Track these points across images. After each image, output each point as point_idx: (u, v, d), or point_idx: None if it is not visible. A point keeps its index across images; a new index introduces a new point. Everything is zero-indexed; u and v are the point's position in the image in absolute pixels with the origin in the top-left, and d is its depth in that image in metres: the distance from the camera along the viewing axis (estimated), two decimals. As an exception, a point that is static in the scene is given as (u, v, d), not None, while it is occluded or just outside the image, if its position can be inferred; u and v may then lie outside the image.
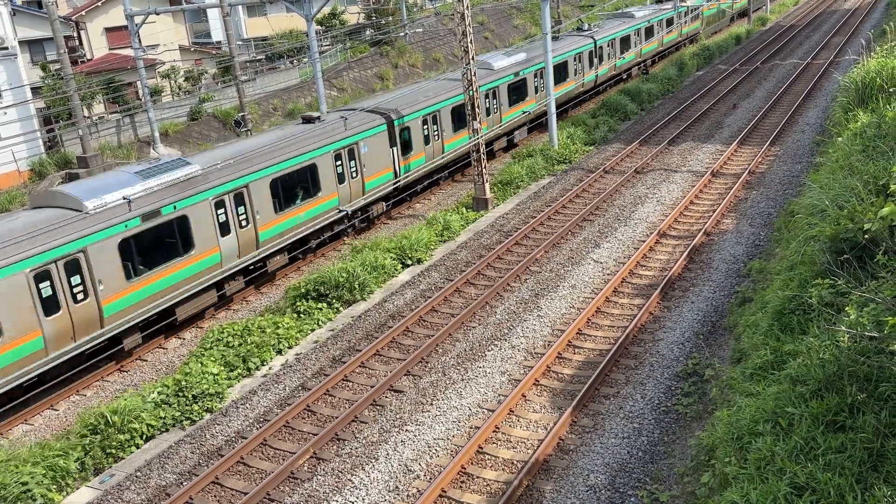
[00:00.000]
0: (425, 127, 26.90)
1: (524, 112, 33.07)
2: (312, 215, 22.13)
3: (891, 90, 19.75)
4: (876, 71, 20.99)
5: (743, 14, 71.88)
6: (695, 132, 33.83)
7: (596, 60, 39.34)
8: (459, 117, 28.43)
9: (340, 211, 23.15)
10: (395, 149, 25.30)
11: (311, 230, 22.34)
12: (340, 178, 22.95)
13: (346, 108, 26.88)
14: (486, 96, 30.03)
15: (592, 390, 14.58)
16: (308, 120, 23.77)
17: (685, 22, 54.91)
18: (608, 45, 40.84)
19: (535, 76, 34.01)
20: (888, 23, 33.89)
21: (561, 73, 35.73)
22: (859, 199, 13.01)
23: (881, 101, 19.48)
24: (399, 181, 25.67)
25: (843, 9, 74.89)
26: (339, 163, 22.83)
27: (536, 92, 33.94)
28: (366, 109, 25.43)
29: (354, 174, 23.45)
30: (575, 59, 37.17)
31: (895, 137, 15.80)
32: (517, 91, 32.50)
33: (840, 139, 19.63)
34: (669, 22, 51.12)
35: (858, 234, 11.13)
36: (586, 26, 41.36)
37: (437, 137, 27.53)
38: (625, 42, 43.23)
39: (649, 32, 47.01)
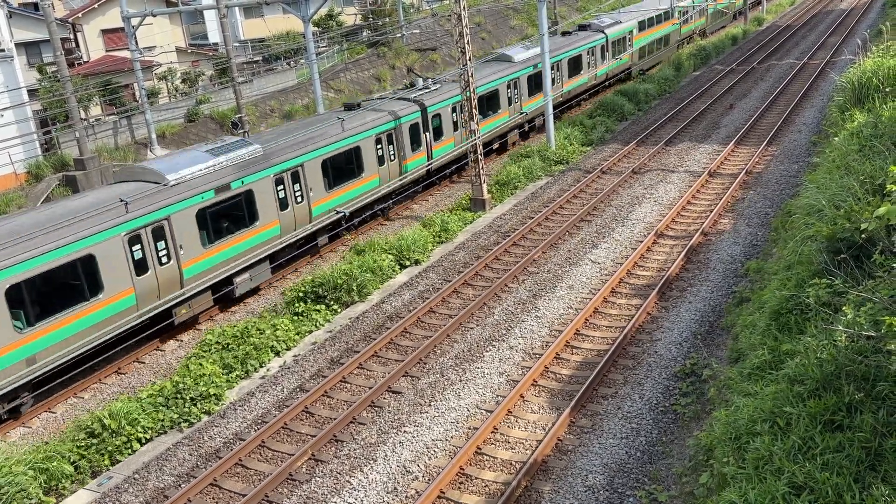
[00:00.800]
0: None
1: (287, 235, 21.11)
2: None
3: (887, 90, 19.79)
4: (872, 71, 21.04)
5: (696, 36, 58.10)
6: (692, 132, 33.87)
7: (427, 136, 26.97)
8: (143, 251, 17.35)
9: None
10: None
11: None
12: None
13: None
14: (168, 229, 18.00)
15: (590, 391, 14.58)
16: None
17: (604, 59, 40.74)
18: (453, 111, 28.46)
19: (318, 170, 21.84)
20: (884, 23, 33.99)
21: (348, 168, 23.50)
22: (856, 199, 13.04)
23: (877, 101, 19.53)
24: None
25: (839, 9, 75.02)
26: None
27: (298, 203, 21.47)
28: None
29: None
30: (384, 141, 24.89)
31: (891, 137, 15.84)
32: (234, 215, 19.82)
33: (837, 139, 19.68)
34: (576, 63, 37.50)
35: (855, 234, 11.17)
36: (420, 83, 29.07)
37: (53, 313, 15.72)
38: (488, 102, 30.54)
39: (534, 83, 34.00)
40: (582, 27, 41.88)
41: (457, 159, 29.45)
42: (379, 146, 24.68)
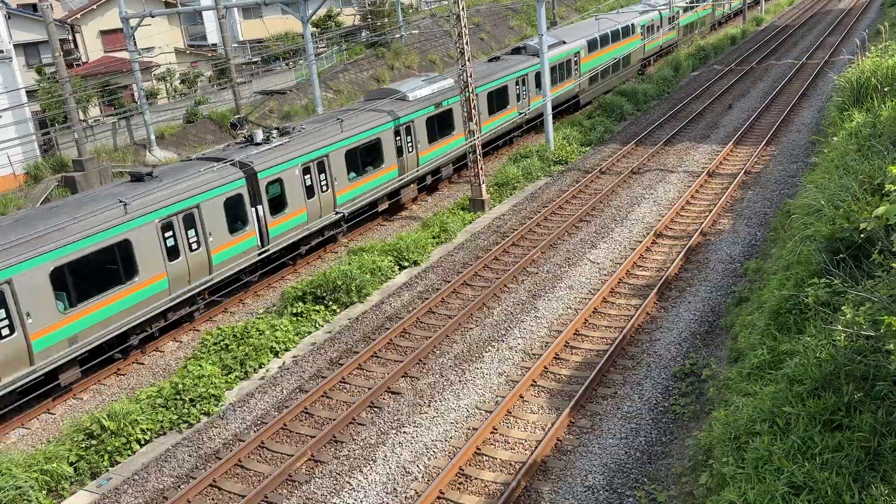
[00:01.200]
0: None
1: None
2: None
3: (886, 90, 19.79)
4: (871, 70, 21.03)
5: (652, 58, 47.97)
6: (691, 132, 33.87)
7: (259, 211, 20.50)
8: None
9: None
10: None
11: None
12: None
13: None
14: None
15: (590, 391, 14.58)
16: None
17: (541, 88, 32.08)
18: (306, 173, 21.61)
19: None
20: (883, 22, 33.99)
21: (110, 271, 17.14)
22: (855, 199, 13.02)
23: (876, 101, 19.53)
24: None
25: (837, 9, 75.06)
26: None
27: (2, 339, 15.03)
28: None
29: None
30: (178, 226, 18.34)
31: (890, 136, 15.84)
32: None
33: (835, 139, 19.68)
34: (500, 95, 30.55)
35: (854, 234, 11.17)
36: (259, 135, 21.84)
37: None
38: (365, 154, 24.05)
39: (437, 126, 27.21)
40: (516, 50, 35.93)
41: (320, 231, 22.87)
42: (168, 234, 18.04)
